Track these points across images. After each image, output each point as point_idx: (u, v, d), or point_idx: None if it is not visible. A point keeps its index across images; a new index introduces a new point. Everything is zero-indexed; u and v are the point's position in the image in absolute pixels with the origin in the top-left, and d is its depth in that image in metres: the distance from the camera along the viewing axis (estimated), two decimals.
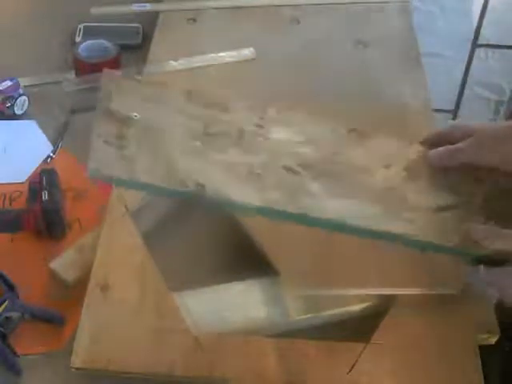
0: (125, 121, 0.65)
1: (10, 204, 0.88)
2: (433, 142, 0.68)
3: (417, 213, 0.63)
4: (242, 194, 0.62)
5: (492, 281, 0.63)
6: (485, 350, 0.70)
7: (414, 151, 0.68)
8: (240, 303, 0.74)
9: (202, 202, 0.62)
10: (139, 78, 0.79)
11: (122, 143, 0.63)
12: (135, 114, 0.65)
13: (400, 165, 0.67)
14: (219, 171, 0.63)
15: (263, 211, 0.61)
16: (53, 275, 0.78)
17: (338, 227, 0.62)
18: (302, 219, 0.62)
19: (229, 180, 0.62)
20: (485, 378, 0.67)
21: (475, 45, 1.70)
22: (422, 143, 0.69)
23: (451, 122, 0.64)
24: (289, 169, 0.64)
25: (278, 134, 0.67)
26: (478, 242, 0.61)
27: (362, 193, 0.64)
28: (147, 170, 0.62)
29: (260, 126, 0.67)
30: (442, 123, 1.85)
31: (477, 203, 0.64)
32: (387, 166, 0.66)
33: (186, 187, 0.61)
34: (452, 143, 0.66)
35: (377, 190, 0.65)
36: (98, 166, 0.62)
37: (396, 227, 0.63)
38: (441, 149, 0.66)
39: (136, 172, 0.62)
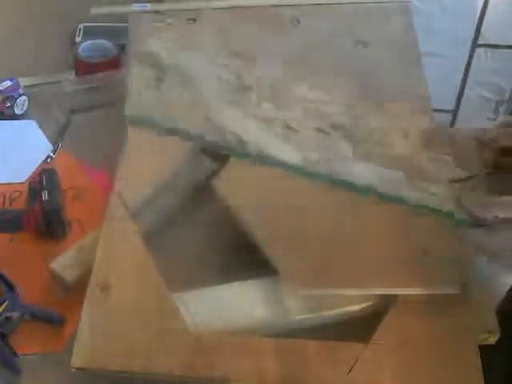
0: (160, 65, 0.68)
1: (10, 204, 0.88)
2: None
3: (434, 183, 0.69)
4: (283, 152, 0.65)
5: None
6: (486, 350, 0.70)
7: (426, 120, 0.74)
8: (240, 303, 0.74)
9: (242, 157, 0.66)
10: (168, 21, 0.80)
11: (160, 85, 0.66)
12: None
13: (416, 134, 0.73)
14: (257, 127, 0.66)
15: (302, 171, 0.66)
16: (53, 275, 0.78)
17: (368, 191, 0.68)
18: (336, 182, 0.68)
19: (268, 136, 0.66)
20: (487, 378, 0.67)
21: (475, 45, 1.70)
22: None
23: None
24: (320, 130, 0.69)
25: (306, 91, 0.73)
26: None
27: (385, 159, 0.70)
28: (186, 116, 0.65)
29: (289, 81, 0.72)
30: (442, 123, 1.85)
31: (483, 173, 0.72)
32: (405, 135, 0.73)
33: (226, 140, 0.64)
34: None
35: (397, 157, 0.70)
36: (138, 111, 0.64)
37: (415, 195, 0.68)
38: None
39: (175, 118, 0.64)
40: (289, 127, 0.67)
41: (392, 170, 0.68)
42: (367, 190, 0.67)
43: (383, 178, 0.68)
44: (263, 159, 0.66)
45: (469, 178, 0.71)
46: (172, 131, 0.64)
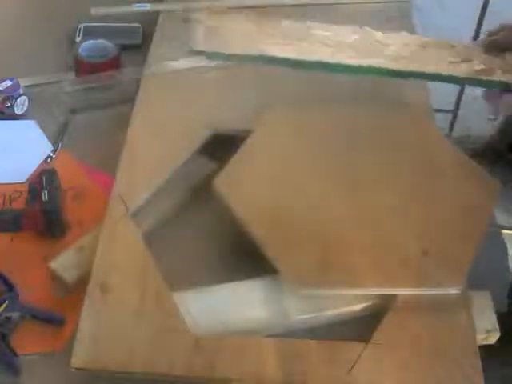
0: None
1: (10, 204, 0.88)
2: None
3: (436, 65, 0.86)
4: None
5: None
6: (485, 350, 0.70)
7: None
8: (240, 303, 0.74)
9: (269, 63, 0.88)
10: None
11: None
12: None
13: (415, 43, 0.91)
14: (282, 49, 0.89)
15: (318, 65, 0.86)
16: (53, 275, 0.78)
17: (379, 72, 0.86)
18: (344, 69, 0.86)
19: (287, 51, 0.89)
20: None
21: None
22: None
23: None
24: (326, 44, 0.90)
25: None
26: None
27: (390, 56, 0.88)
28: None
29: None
30: (442, 123, 1.85)
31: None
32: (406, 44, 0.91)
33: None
34: None
35: (399, 56, 0.88)
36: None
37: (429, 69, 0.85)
38: None
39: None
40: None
41: (396, 60, 0.87)
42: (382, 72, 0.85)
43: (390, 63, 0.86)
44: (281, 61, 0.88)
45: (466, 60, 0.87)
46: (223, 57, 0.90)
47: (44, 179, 0.86)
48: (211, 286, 0.74)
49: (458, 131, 1.90)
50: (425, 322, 0.70)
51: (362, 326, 0.71)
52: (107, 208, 0.80)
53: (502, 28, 0.88)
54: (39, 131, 0.99)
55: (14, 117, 1.00)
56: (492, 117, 1.67)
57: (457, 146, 0.88)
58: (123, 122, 0.92)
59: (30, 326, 0.74)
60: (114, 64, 1.06)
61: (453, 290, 0.72)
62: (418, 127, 0.90)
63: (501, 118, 1.84)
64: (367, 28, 0.94)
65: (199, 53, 0.90)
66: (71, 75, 1.06)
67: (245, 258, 0.76)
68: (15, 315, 0.74)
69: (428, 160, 0.85)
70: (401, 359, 0.68)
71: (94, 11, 1.16)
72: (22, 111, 1.01)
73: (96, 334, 0.69)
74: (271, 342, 0.69)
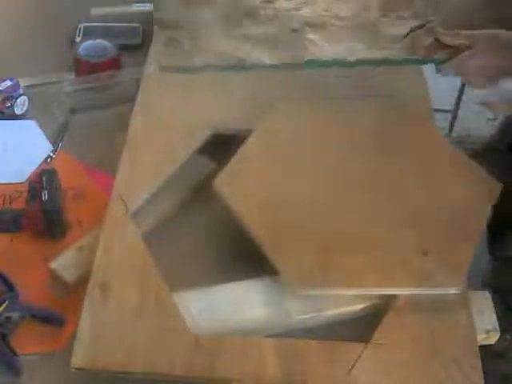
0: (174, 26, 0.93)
1: (10, 204, 0.88)
2: None
3: (391, 43, 0.88)
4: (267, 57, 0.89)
5: (456, 70, 0.81)
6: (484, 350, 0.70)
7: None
8: (240, 303, 0.74)
9: (243, 70, 0.90)
10: None
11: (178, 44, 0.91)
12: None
13: (376, 4, 0.91)
14: (249, 44, 0.90)
15: (282, 67, 0.88)
16: (53, 275, 0.78)
17: (339, 64, 0.87)
18: (311, 64, 0.87)
19: (257, 49, 0.90)
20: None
21: None
22: None
23: None
24: (295, 30, 0.91)
25: (282, 3, 0.96)
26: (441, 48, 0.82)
27: (349, 35, 0.90)
28: (202, 57, 0.90)
29: (269, 2, 0.97)
30: (442, 123, 1.85)
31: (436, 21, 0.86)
32: (367, 9, 0.92)
33: (231, 62, 0.89)
34: None
35: (361, 31, 0.90)
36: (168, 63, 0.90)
37: (379, 54, 0.87)
38: None
39: (195, 61, 0.90)
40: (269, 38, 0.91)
41: (357, 43, 0.89)
42: (335, 63, 0.87)
43: (350, 52, 0.87)
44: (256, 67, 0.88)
45: (422, 26, 0.86)
46: (197, 70, 0.89)
47: (44, 179, 0.86)
48: (211, 286, 0.74)
49: (457, 131, 1.90)
50: (425, 321, 0.70)
51: (362, 326, 0.71)
52: (107, 208, 0.80)
53: None
54: (39, 131, 0.99)
55: (14, 117, 1.01)
56: (492, 117, 1.67)
57: (457, 146, 0.88)
58: (123, 122, 0.92)
59: (30, 325, 0.74)
60: (113, 64, 1.06)
61: (453, 290, 0.72)
62: (418, 127, 0.90)
63: (501, 118, 1.84)
64: None
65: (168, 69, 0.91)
66: (71, 75, 1.06)
67: (244, 258, 0.76)
68: (15, 315, 0.74)
69: (428, 160, 0.85)
70: (401, 359, 0.68)
71: (93, 11, 1.16)
72: (22, 111, 1.01)
73: (96, 334, 0.69)
74: (271, 342, 0.69)
